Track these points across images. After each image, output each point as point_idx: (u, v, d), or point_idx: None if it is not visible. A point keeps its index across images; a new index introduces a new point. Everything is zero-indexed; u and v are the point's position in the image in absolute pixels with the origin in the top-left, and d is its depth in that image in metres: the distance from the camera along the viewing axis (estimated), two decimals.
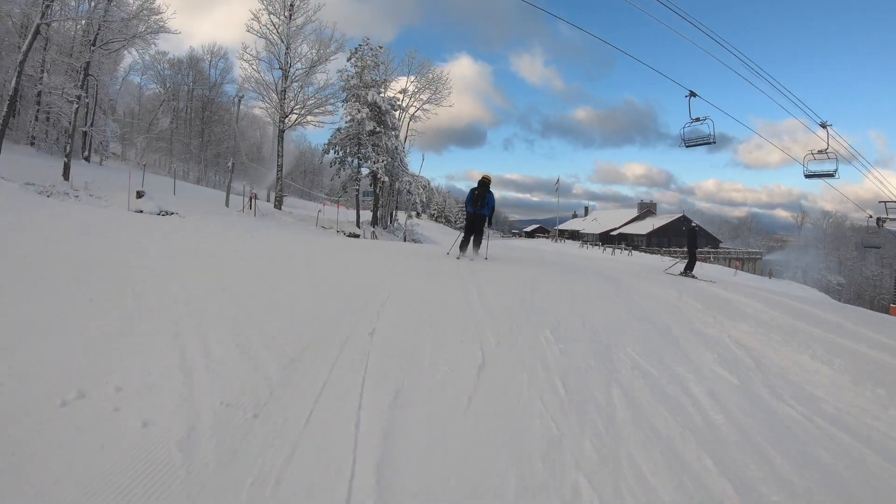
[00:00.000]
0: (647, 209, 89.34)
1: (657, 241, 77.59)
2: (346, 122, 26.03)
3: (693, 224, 23.06)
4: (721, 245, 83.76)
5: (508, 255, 16.92)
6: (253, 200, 21.83)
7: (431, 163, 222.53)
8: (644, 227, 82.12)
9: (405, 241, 25.02)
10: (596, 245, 75.52)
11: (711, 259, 70.92)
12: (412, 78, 36.74)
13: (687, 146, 24.83)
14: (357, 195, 26.19)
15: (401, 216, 28.67)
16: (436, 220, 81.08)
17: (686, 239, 19.24)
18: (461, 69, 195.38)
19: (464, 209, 15.06)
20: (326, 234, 21.92)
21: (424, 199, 26.87)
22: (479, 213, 12.81)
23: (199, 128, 60.39)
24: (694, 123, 22.40)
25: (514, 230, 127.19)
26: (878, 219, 41.54)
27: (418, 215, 35.54)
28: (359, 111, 25.04)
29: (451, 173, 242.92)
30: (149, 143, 56.24)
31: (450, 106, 36.92)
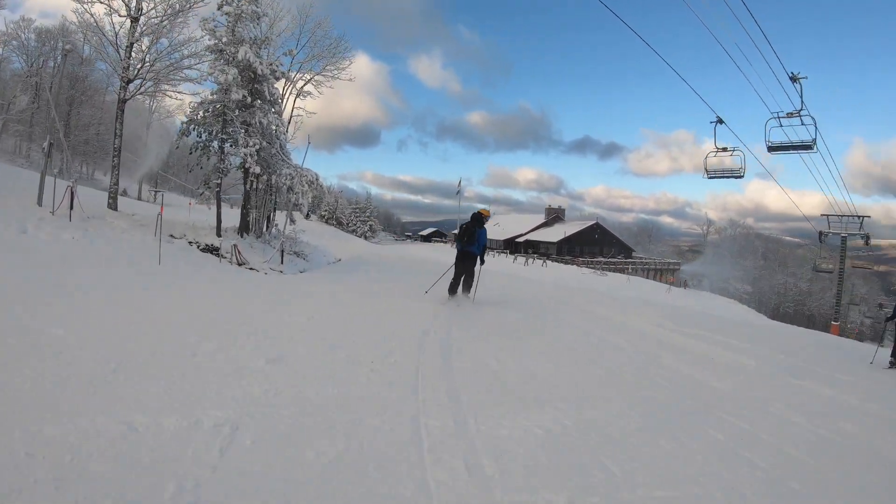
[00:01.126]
0: (555, 215, 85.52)
1: (568, 250, 73.17)
2: (212, 92, 19.12)
3: None
4: (634, 254, 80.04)
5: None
6: (74, 197, 15.04)
7: (324, 162, 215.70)
8: (553, 233, 78.08)
9: (282, 256, 18.79)
10: (503, 252, 70.55)
11: (630, 270, 67.63)
12: (303, 41, 29.01)
13: (710, 177, 25.34)
14: (219, 192, 19.40)
15: (281, 219, 21.98)
16: (326, 222, 74.63)
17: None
18: (359, 68, 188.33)
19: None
20: (163, 252, 15.58)
21: (311, 199, 20.46)
22: (467, 249, 11.73)
23: (65, 109, 50.78)
24: (720, 153, 22.27)
25: (408, 233, 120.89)
26: (820, 232, 39.82)
27: (307, 216, 29.08)
28: (224, 73, 18.17)
29: (343, 173, 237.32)
30: (5, 126, 47.10)
31: (350, 79, 29.51)
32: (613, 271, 62.42)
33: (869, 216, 38.61)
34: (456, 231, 13.71)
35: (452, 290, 11.81)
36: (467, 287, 11.95)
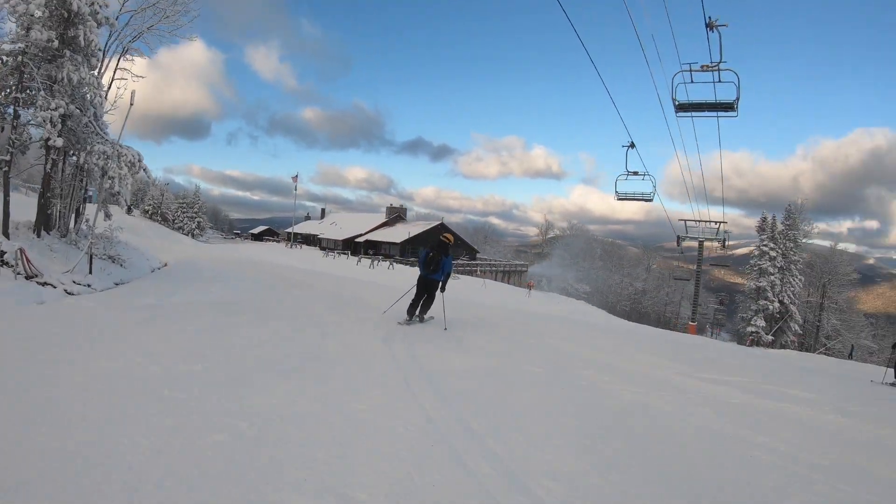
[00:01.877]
0: (396, 214, 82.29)
1: (413, 251, 69.96)
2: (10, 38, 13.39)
3: None
4: (479, 255, 78.36)
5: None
6: None
7: (150, 153, 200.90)
8: (396, 234, 74.77)
9: (90, 263, 13.48)
10: (342, 253, 66.13)
11: (478, 272, 65.59)
12: None
13: (619, 199, 28.23)
14: (6, 173, 13.70)
15: (91, 212, 16.33)
16: (150, 218, 66.20)
17: None
18: (192, 53, 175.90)
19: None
20: None
21: (130, 187, 15.25)
22: (430, 277, 11.84)
23: None
24: (631, 177, 24.94)
25: (237, 231, 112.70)
26: (679, 237, 40.20)
27: (128, 211, 23.38)
28: (24, 3, 12.64)
29: (170, 166, 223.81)
30: None
31: (191, 39, 23.43)
32: (463, 273, 59.92)
33: (726, 222, 40.39)
34: (419, 255, 12.52)
35: (411, 310, 11.98)
36: (425, 309, 12.11)
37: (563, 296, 61.27)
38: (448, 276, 11.96)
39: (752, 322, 49.40)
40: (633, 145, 23.36)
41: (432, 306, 12.20)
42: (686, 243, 41.30)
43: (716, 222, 39.51)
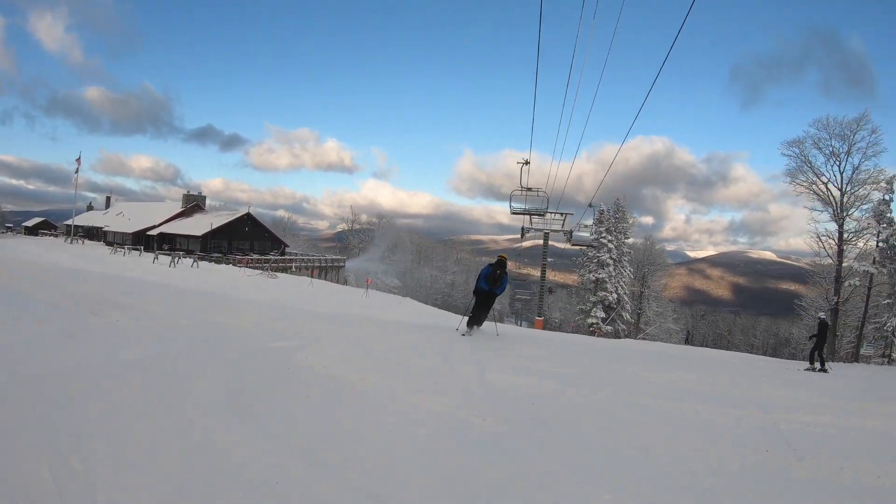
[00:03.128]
0: (195, 203, 72.59)
1: (215, 245, 62.77)
2: None
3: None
4: (288, 250, 72.32)
5: None
6: None
7: None
8: (196, 226, 66.08)
9: None
10: (135, 249, 57.05)
11: (293, 269, 60.00)
12: None
13: (513, 213, 33.79)
14: None
15: None
16: None
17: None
18: None
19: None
20: None
21: None
22: (494, 291, 13.03)
23: None
24: (526, 192, 28.30)
25: (9, 224, 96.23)
26: (522, 228, 38.63)
27: None
28: None
29: None
30: None
31: None
32: (277, 270, 53.78)
33: (572, 213, 39.83)
34: (481, 271, 13.07)
35: (472, 323, 12.84)
36: (481, 322, 12.94)
37: (399, 296, 57.60)
38: (504, 290, 13.07)
39: (591, 313, 48.85)
40: (527, 162, 28.25)
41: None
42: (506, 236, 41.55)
43: (561, 213, 38.71)
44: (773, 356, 70.41)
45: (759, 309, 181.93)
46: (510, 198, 32.44)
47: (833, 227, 37.00)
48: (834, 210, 36.42)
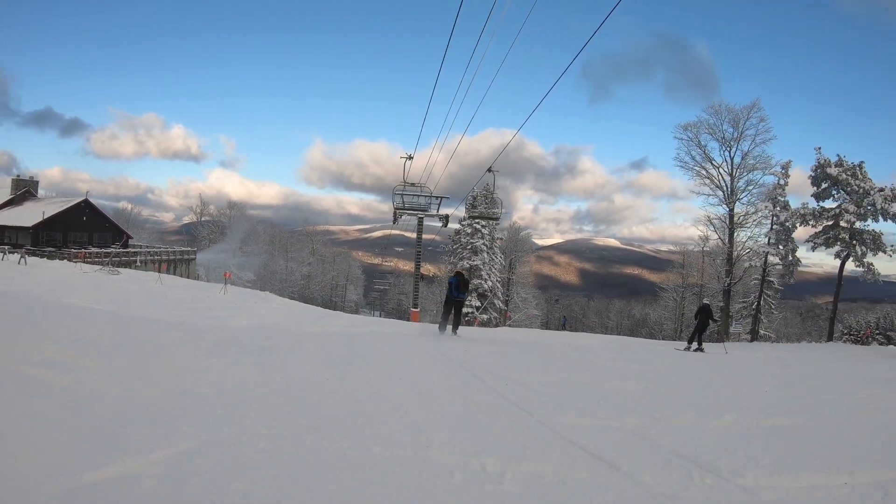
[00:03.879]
0: (25, 189, 63.12)
1: (48, 238, 55.77)
2: None
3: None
4: (133, 242, 65.71)
5: None
6: None
7: None
8: (27, 215, 57.74)
9: None
10: None
11: (138, 263, 54.48)
12: None
13: (397, 208, 32.38)
14: None
15: None
16: None
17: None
18: None
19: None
20: None
21: None
22: (461, 296, 15.63)
23: None
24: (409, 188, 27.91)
25: None
26: (396, 209, 36.22)
27: None
28: None
29: None
30: None
31: None
32: (120, 266, 48.01)
33: (448, 196, 38.45)
34: (449, 281, 15.95)
35: (442, 326, 15.64)
36: (456, 325, 15.68)
37: (257, 290, 53.21)
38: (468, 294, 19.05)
39: (466, 302, 46.79)
40: (410, 157, 29.62)
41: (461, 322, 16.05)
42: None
43: (437, 196, 36.81)
44: (633, 335, 73.10)
45: (605, 292, 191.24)
46: (393, 194, 31.48)
47: (724, 210, 37.66)
48: (725, 194, 37.07)
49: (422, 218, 36.78)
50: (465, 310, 46.74)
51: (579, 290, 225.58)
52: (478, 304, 47.16)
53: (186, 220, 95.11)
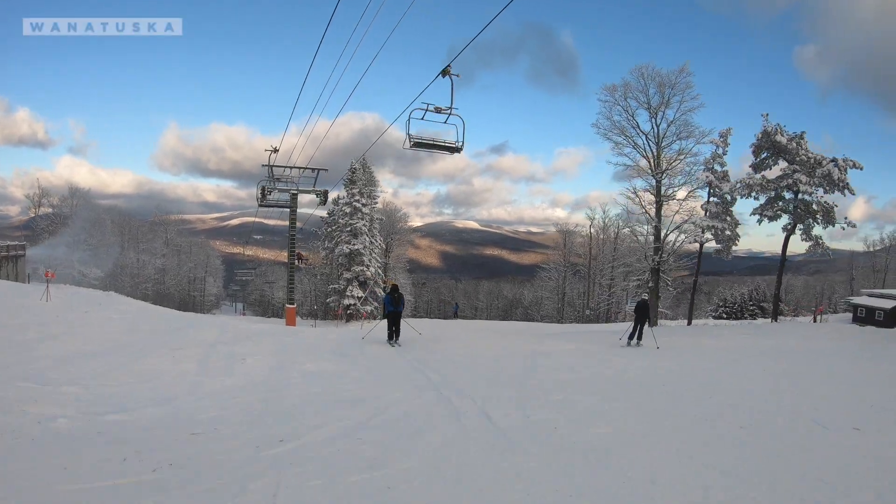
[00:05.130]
0: None
1: None
2: None
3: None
4: None
5: None
6: None
7: None
8: None
9: None
10: None
11: None
12: None
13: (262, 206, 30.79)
14: None
15: None
16: None
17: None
18: None
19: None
20: None
21: None
22: (398, 310, 16.91)
23: None
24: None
25: None
26: (264, 188, 31.12)
27: None
28: None
29: None
30: None
31: None
32: None
33: (327, 169, 33.47)
34: (384, 300, 17.43)
35: (391, 339, 16.83)
36: (397, 335, 16.99)
37: (100, 291, 45.06)
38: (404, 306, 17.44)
39: (347, 293, 42.00)
40: (276, 150, 29.16)
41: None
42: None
43: (313, 169, 31.88)
44: (508, 318, 71.24)
45: (467, 274, 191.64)
46: (262, 166, 27.73)
47: (647, 183, 33.38)
48: (651, 165, 32.86)
49: (295, 194, 31.58)
50: (346, 301, 41.66)
51: (442, 272, 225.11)
52: (360, 293, 42.18)
53: (33, 213, 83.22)
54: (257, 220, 44.92)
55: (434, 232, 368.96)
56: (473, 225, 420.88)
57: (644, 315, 19.66)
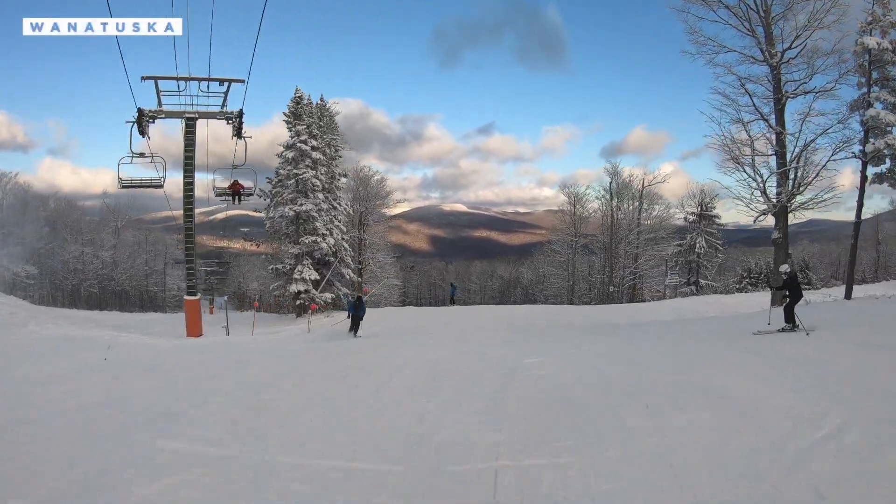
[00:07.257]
0: None
1: None
2: None
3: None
4: None
5: None
6: None
7: None
8: None
9: None
10: None
11: None
12: None
13: (123, 186, 22.62)
14: None
15: None
16: None
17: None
18: None
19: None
20: None
21: None
22: (361, 314, 19.71)
23: None
24: (136, 159, 20.40)
25: None
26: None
27: None
28: None
29: None
30: None
31: None
32: None
33: (243, 80, 23.20)
34: (351, 304, 19.67)
35: (352, 330, 19.70)
36: (357, 329, 19.71)
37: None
38: (364, 311, 19.87)
39: (296, 275, 28.34)
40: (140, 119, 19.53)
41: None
42: None
43: (222, 80, 20.13)
44: (506, 301, 62.41)
45: (457, 256, 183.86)
46: (118, 168, 21.77)
47: (761, 71, 21.22)
48: (760, 41, 20.75)
49: (194, 116, 20.07)
50: (294, 287, 28.76)
51: (432, 255, 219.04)
52: (316, 277, 29.01)
53: None
54: (243, 212, 39.33)
55: (422, 216, 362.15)
56: (461, 208, 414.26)
57: (797, 288, 13.87)
